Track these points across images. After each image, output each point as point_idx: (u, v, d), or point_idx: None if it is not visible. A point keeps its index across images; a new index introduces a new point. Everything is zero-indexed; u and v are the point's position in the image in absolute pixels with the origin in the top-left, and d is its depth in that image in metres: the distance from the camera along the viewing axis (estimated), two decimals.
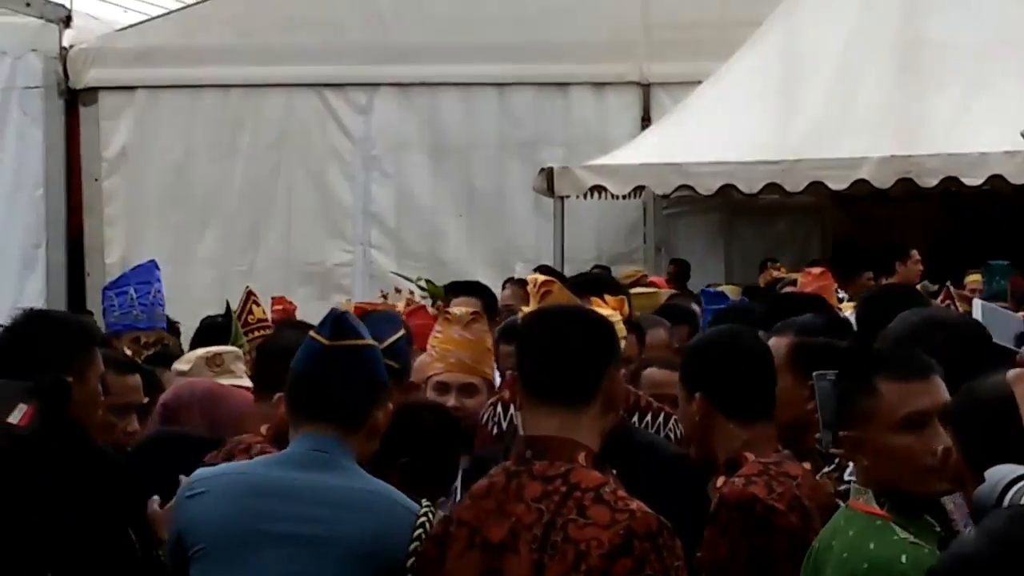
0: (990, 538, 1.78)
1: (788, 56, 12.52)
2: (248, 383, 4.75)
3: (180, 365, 5.26)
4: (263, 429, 3.98)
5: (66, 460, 3.63)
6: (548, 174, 12.20)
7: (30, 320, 3.95)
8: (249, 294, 6.95)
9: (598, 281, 6.43)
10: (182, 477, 3.55)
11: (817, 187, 11.83)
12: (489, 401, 4.91)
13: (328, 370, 3.35)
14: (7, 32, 13.72)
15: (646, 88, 13.91)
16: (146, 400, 4.65)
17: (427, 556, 3.19)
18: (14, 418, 3.36)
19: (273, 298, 9.61)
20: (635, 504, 3.02)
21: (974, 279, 10.41)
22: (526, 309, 4.87)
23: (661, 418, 4.77)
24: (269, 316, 7.38)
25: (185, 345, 7.38)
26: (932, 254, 11.44)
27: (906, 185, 11.50)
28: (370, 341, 3.43)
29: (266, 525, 3.27)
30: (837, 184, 11.65)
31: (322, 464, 3.31)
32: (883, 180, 11.47)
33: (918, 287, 8.07)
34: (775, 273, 11.32)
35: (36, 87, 13.75)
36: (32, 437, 3.39)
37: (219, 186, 13.94)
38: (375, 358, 3.42)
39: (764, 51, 12.58)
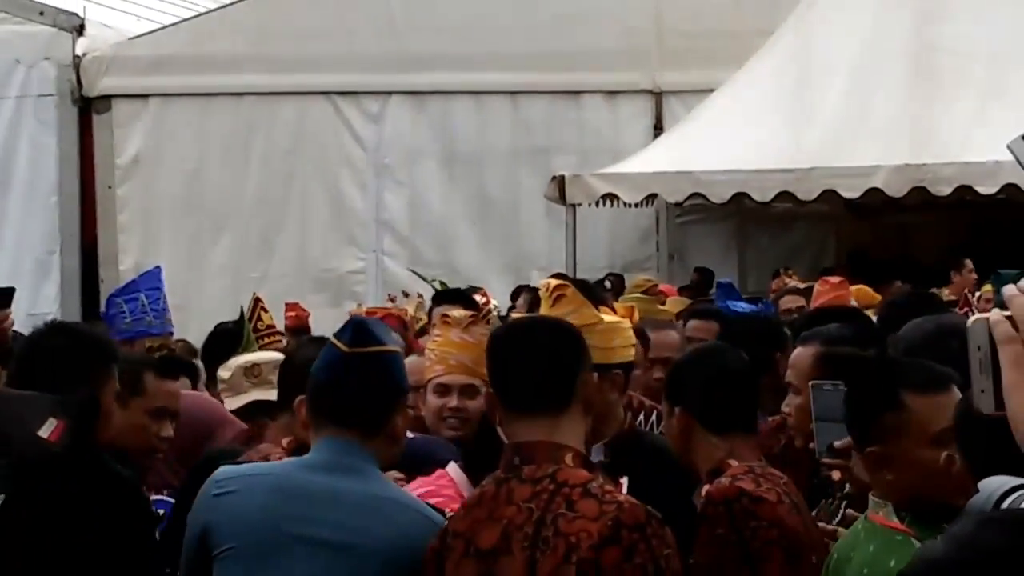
0: (958, 544, 1.77)
1: (801, 64, 12.50)
2: None
3: (222, 372, 5.28)
4: (284, 442, 3.96)
5: (88, 481, 3.59)
6: (560, 182, 12.20)
7: (52, 332, 3.96)
8: (257, 301, 6.95)
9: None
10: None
11: (830, 195, 11.81)
12: None
13: (348, 377, 3.35)
14: (21, 40, 13.74)
15: (658, 96, 13.90)
16: None
17: (426, 569, 3.20)
18: (44, 432, 3.33)
19: (286, 304, 9.62)
20: (623, 496, 3.09)
21: (988, 289, 10.36)
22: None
23: (654, 417, 4.77)
24: (281, 323, 7.38)
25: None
26: (945, 263, 11.41)
27: (920, 194, 11.49)
28: (390, 347, 3.44)
29: (296, 528, 3.26)
30: (850, 192, 11.64)
31: (346, 469, 3.31)
32: (897, 189, 11.45)
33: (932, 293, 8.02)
34: (788, 281, 11.28)
35: (50, 95, 13.76)
36: (64, 454, 3.36)
37: (232, 194, 13.95)
38: (395, 364, 3.42)
39: (777, 60, 12.57)
